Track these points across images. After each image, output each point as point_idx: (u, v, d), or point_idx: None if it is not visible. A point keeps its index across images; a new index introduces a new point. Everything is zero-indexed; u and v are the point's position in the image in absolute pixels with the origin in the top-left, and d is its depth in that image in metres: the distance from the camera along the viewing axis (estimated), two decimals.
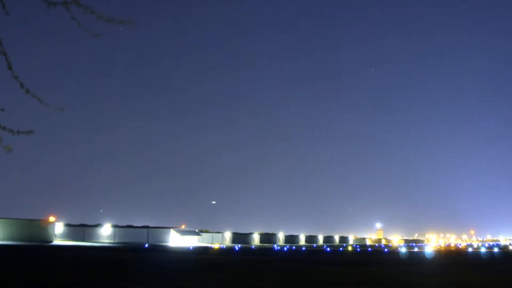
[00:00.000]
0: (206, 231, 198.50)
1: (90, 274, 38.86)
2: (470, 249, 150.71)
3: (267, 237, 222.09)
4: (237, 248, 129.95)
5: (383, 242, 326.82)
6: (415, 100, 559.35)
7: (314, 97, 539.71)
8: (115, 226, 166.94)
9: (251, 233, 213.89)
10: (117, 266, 48.44)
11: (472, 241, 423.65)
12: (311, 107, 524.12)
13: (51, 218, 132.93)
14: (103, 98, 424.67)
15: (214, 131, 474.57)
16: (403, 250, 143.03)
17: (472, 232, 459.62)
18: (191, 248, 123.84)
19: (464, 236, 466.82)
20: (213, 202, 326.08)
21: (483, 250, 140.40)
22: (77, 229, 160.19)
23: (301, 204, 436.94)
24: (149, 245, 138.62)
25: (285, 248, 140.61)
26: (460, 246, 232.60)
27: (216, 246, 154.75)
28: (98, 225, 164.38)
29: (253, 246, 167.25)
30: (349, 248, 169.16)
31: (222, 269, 48.64)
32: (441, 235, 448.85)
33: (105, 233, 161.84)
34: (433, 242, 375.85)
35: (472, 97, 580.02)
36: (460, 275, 46.42)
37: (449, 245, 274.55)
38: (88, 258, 61.92)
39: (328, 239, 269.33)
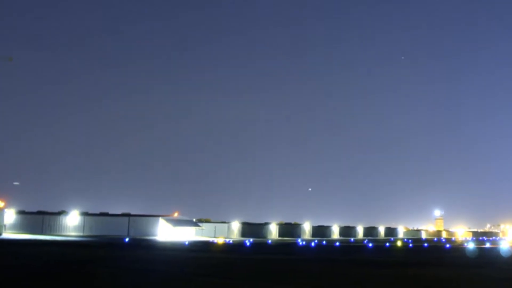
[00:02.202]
0: (207, 221, 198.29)
1: (36, 285, 36.46)
2: None
3: (289, 229, 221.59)
4: (248, 243, 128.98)
5: (444, 235, 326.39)
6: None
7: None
8: (85, 214, 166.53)
9: (267, 224, 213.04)
10: (81, 271, 47.29)
11: None
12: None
13: None
14: (72, 77, 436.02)
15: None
16: (471, 245, 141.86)
17: None
18: (186, 243, 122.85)
19: None
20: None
21: None
22: (34, 218, 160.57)
23: (332, 188, 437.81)
24: (130, 238, 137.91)
25: (313, 243, 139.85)
26: None
27: (220, 240, 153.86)
28: (62, 213, 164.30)
29: (269, 241, 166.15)
30: (399, 243, 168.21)
31: (225, 274, 47.54)
32: None
33: (72, 223, 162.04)
34: (510, 236, 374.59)
35: None
36: None
37: None
38: (42, 259, 60.72)
39: (370, 232, 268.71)
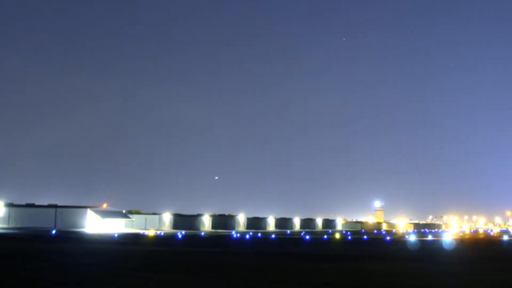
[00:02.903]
0: (138, 212, 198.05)
1: None
2: (505, 237, 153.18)
3: (222, 221, 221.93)
4: (180, 236, 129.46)
5: (385, 227, 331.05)
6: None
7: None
8: (10, 205, 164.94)
9: (200, 215, 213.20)
10: (7, 265, 47.04)
11: (509, 225, 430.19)
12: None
13: None
14: None
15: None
16: (412, 238, 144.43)
17: (508, 213, 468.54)
18: (115, 235, 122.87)
19: (498, 219, 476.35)
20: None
21: None
22: None
23: (268, 178, 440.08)
24: (57, 230, 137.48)
25: (247, 236, 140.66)
26: (492, 233, 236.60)
27: (151, 232, 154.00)
28: None
29: (202, 233, 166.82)
30: (337, 235, 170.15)
31: (156, 268, 47.97)
32: (465, 218, 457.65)
33: None
34: (453, 228, 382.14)
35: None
36: (494, 275, 46.50)
37: (476, 232, 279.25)
38: None
39: (307, 224, 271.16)
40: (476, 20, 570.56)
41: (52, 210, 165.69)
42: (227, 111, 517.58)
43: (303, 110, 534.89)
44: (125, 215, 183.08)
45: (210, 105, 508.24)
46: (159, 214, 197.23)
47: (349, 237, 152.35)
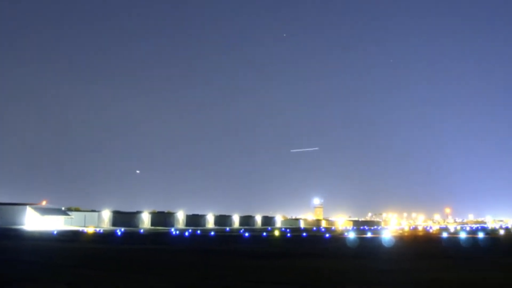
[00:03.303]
0: (77, 210, 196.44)
1: None
2: (445, 234, 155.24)
3: (162, 218, 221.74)
4: (119, 233, 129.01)
5: (324, 224, 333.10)
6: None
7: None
8: None
9: (139, 212, 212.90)
10: None
11: (448, 223, 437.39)
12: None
13: None
14: None
15: None
16: (351, 235, 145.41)
17: (447, 211, 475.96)
18: (54, 232, 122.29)
19: (437, 217, 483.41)
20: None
21: (463, 235, 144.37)
22: None
23: (206, 175, 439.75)
24: None
25: (187, 233, 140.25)
26: (431, 230, 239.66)
27: (90, 229, 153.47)
28: None
29: (141, 230, 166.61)
30: (276, 232, 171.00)
31: (95, 265, 47.06)
32: (405, 214, 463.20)
33: None
34: (393, 225, 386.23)
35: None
36: (433, 271, 46.50)
37: (415, 228, 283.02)
38: None
39: (246, 221, 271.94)
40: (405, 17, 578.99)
41: None
42: (165, 107, 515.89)
43: (241, 107, 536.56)
44: (64, 212, 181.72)
45: (149, 102, 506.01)
46: (98, 211, 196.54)
47: (288, 234, 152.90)
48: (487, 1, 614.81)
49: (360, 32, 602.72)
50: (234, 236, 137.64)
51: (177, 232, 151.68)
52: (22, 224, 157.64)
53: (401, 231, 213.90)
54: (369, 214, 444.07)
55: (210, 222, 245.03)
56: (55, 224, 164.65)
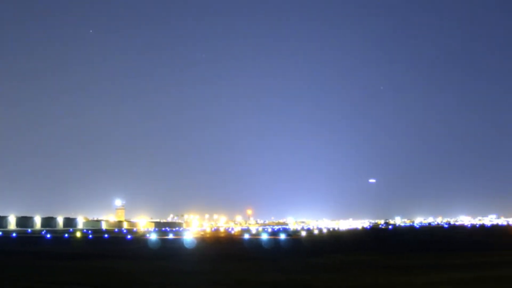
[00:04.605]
0: None
1: None
2: (246, 235, 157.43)
3: None
4: None
5: (126, 225, 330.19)
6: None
7: None
8: None
9: None
10: None
11: (250, 224, 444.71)
12: None
13: None
14: None
15: None
16: (153, 237, 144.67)
17: (249, 212, 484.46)
18: None
19: (239, 218, 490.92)
20: None
21: (265, 236, 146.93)
22: None
23: (6, 175, 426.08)
24: None
25: None
26: (233, 231, 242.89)
27: None
28: None
29: None
30: (78, 234, 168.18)
31: None
32: (206, 216, 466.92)
33: None
34: (194, 226, 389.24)
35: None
36: (236, 273, 46.98)
37: (217, 230, 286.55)
38: None
39: (48, 222, 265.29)
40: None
41: None
42: None
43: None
44: None
45: None
46: None
47: (90, 236, 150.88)
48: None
49: None
50: (36, 237, 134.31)
51: None
52: None
53: (203, 233, 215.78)
54: (171, 216, 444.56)
55: (11, 223, 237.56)
56: None
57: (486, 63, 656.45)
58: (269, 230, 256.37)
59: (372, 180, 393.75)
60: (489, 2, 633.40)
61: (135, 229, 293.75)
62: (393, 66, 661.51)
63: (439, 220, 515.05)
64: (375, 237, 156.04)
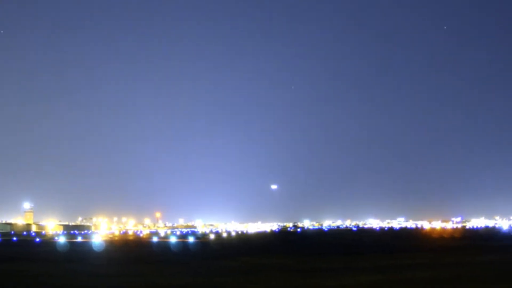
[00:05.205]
0: None
1: None
2: (155, 238, 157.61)
3: None
4: None
5: (34, 228, 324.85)
6: None
7: None
8: None
9: None
10: None
11: (158, 227, 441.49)
12: None
13: None
14: None
15: None
16: (62, 240, 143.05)
17: (158, 215, 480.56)
18: None
19: (148, 221, 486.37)
20: None
21: (173, 239, 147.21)
22: None
23: None
24: None
25: None
26: (141, 234, 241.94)
27: None
28: None
29: None
30: None
31: None
32: (115, 219, 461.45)
33: None
34: (103, 229, 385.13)
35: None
36: (145, 276, 47.55)
37: (126, 233, 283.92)
38: None
39: None
40: None
41: None
42: None
43: None
44: None
45: None
46: None
47: None
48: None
49: None
50: None
51: None
52: None
53: (111, 236, 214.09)
54: (79, 219, 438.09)
55: None
56: None
57: (397, 63, 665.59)
58: (178, 233, 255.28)
59: (274, 187, 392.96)
60: None
61: (43, 232, 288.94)
62: (302, 64, 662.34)
63: (348, 223, 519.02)
64: (283, 240, 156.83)
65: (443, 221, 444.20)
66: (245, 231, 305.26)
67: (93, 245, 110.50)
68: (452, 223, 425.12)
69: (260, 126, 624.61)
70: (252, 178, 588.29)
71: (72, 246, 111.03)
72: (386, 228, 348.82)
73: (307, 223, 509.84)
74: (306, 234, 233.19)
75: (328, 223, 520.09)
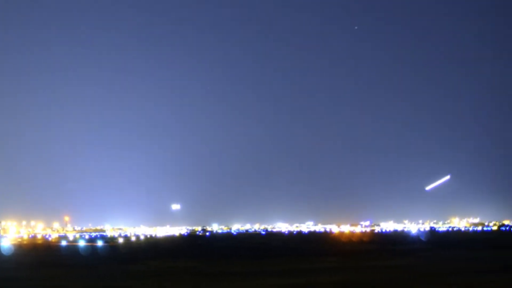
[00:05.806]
0: None
1: None
2: (64, 242, 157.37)
3: None
4: None
5: None
6: None
7: None
8: None
9: None
10: None
11: (67, 231, 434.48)
12: None
13: None
14: None
15: None
16: None
17: (66, 219, 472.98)
18: None
19: (56, 225, 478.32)
20: None
21: (82, 243, 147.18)
22: None
23: None
24: None
25: None
26: (50, 238, 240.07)
27: None
28: None
29: None
30: None
31: None
32: (23, 223, 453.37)
33: None
34: (12, 233, 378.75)
35: None
36: (55, 280, 48.41)
37: (34, 237, 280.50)
38: None
39: None
40: None
41: None
42: None
43: None
44: None
45: None
46: None
47: None
48: None
49: None
50: None
51: None
52: None
53: (20, 240, 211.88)
54: None
55: None
56: None
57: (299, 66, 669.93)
58: (87, 237, 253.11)
59: (176, 206, 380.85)
60: None
61: None
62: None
63: (257, 227, 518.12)
64: (192, 244, 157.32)
65: (352, 225, 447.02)
66: (154, 235, 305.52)
67: (1, 249, 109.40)
68: (361, 227, 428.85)
69: (167, 130, 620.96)
70: (160, 182, 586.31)
71: None
72: (295, 232, 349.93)
73: (215, 227, 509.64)
74: (214, 238, 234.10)
75: (237, 227, 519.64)
